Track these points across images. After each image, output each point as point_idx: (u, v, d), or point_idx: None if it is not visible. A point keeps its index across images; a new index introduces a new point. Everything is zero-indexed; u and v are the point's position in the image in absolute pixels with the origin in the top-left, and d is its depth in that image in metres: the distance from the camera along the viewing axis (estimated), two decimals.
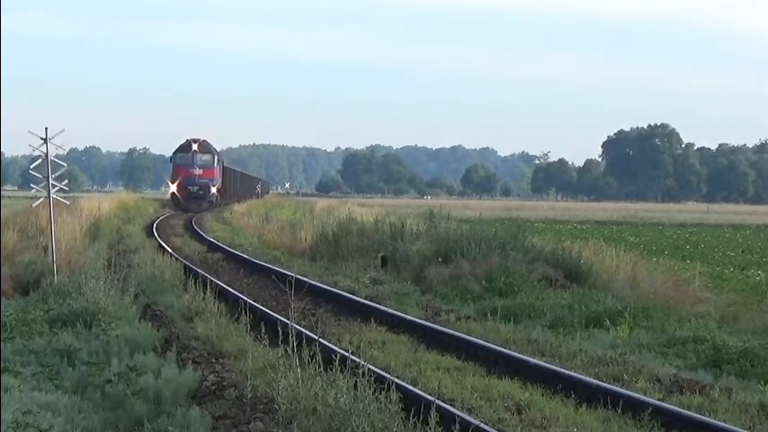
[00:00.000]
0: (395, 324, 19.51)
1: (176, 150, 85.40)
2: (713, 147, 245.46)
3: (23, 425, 10.81)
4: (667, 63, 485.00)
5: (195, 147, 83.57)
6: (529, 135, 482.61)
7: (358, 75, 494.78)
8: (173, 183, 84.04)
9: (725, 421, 12.13)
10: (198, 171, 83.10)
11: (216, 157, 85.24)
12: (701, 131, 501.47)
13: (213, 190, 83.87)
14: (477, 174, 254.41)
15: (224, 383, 13.57)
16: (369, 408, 10.23)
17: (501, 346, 16.86)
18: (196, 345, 16.51)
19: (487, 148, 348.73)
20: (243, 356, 14.71)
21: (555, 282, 24.97)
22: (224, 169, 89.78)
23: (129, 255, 33.01)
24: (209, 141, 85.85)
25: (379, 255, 31.38)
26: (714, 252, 44.13)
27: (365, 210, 53.93)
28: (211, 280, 23.65)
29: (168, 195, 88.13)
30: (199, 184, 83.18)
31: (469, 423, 10.62)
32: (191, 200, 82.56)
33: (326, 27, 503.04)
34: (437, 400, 10.24)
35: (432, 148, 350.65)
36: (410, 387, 12.65)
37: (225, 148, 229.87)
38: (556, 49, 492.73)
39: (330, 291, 24.45)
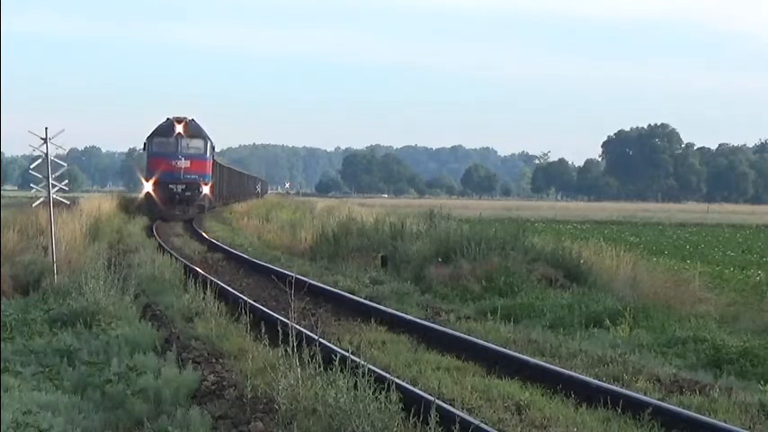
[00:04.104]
0: (395, 324, 19.50)
1: (153, 134, 59.55)
2: (713, 147, 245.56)
3: (23, 425, 10.81)
4: (667, 63, 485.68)
5: (180, 128, 58.61)
6: (529, 135, 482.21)
7: (358, 75, 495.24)
8: (147, 180, 59.42)
9: (725, 421, 12.11)
10: (184, 163, 58.58)
11: (208, 145, 60.43)
12: (701, 131, 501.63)
13: (205, 190, 59.66)
14: (478, 174, 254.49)
15: (224, 383, 13.56)
16: (369, 408, 10.23)
17: (501, 346, 16.85)
18: (196, 345, 16.50)
19: (487, 148, 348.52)
20: (243, 356, 14.71)
21: (555, 282, 24.98)
22: (214, 163, 64.92)
23: (129, 255, 33.00)
24: (198, 122, 60.57)
25: (379, 255, 31.39)
26: (714, 252, 44.14)
27: (365, 210, 53.93)
28: (211, 280, 23.63)
29: (141, 196, 62.06)
30: (185, 182, 58.68)
31: (469, 423, 10.62)
32: (173, 203, 58.98)
33: (327, 27, 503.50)
34: (437, 400, 10.22)
35: (432, 148, 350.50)
36: (410, 387, 12.64)
37: (225, 148, 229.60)
38: (556, 49, 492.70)
39: (330, 291, 24.44)
